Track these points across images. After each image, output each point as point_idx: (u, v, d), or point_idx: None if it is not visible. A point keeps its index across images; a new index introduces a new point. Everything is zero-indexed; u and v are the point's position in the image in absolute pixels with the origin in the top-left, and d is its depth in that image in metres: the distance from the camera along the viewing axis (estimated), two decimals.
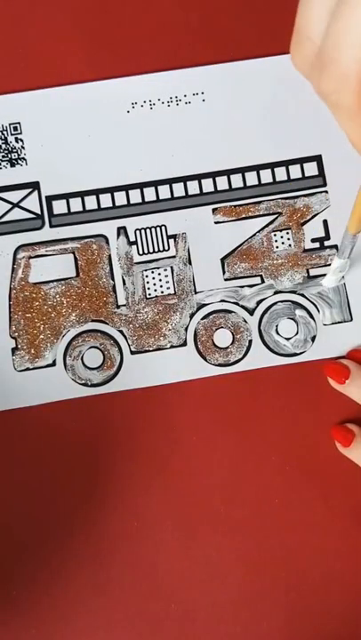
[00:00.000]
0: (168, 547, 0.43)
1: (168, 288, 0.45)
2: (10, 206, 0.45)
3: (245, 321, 0.45)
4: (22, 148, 0.46)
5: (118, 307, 0.45)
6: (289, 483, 0.44)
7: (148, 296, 0.45)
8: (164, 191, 0.46)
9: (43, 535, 0.43)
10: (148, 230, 0.45)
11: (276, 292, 0.45)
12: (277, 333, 0.45)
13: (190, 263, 0.45)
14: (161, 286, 0.45)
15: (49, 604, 0.43)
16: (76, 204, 0.46)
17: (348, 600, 0.43)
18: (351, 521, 0.44)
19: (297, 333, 0.45)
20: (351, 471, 0.44)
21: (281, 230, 0.46)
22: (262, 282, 0.45)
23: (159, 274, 0.45)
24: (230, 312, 0.45)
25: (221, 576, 0.43)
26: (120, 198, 0.46)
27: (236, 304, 0.45)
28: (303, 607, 0.43)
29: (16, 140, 0.46)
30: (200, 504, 0.44)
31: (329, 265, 0.45)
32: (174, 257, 0.45)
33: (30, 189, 0.46)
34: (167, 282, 0.45)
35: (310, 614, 0.43)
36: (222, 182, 0.46)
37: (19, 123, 0.46)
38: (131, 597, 0.43)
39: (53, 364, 0.45)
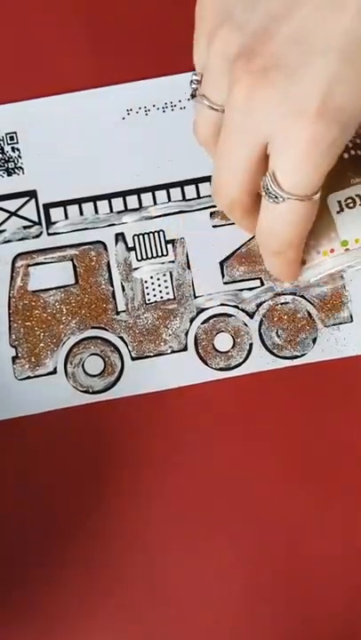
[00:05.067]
0: (169, 549, 0.43)
1: (168, 293, 0.45)
2: (7, 215, 0.45)
3: (246, 324, 0.45)
4: (19, 157, 0.46)
5: (118, 313, 0.45)
6: (290, 484, 0.44)
7: (147, 302, 0.45)
8: (161, 196, 0.46)
9: (44, 539, 0.43)
10: (146, 236, 0.45)
11: (276, 295, 0.45)
12: (278, 336, 0.45)
13: (189, 268, 0.45)
14: (160, 291, 0.45)
15: (49, 605, 0.42)
16: (73, 212, 0.46)
17: (349, 600, 0.43)
18: (351, 522, 0.43)
19: (298, 335, 0.45)
20: (351, 473, 0.44)
21: None
22: (262, 284, 0.45)
23: (158, 279, 0.45)
24: (230, 316, 0.45)
25: (222, 578, 0.43)
26: (117, 204, 0.46)
27: (236, 307, 0.45)
28: (304, 607, 0.43)
29: (12, 149, 0.46)
30: (202, 508, 0.43)
31: None
32: (173, 262, 0.45)
33: (27, 198, 0.46)
34: (166, 287, 0.45)
35: (311, 615, 0.43)
36: None
37: (15, 132, 0.46)
38: (131, 599, 0.43)
39: (54, 371, 0.44)
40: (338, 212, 0.36)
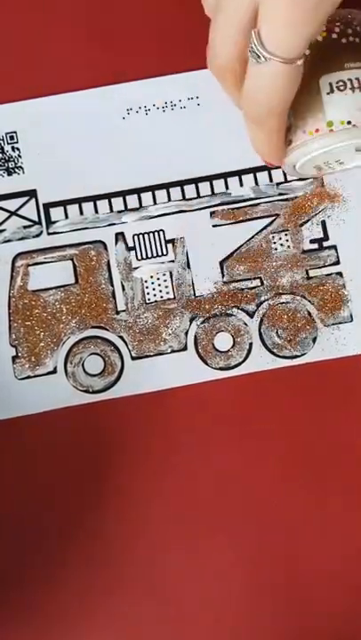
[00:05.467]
0: (169, 548, 0.43)
1: (167, 292, 0.45)
2: (7, 214, 0.45)
3: (246, 324, 0.45)
4: (19, 156, 0.46)
5: (118, 312, 0.45)
6: (290, 484, 0.44)
7: (147, 301, 0.45)
8: (161, 196, 0.46)
9: (43, 539, 0.43)
10: (146, 235, 0.45)
11: (276, 294, 0.45)
12: (278, 335, 0.45)
13: (189, 267, 0.45)
14: (160, 291, 0.45)
15: (48, 605, 0.42)
16: (73, 211, 0.46)
17: (349, 600, 0.43)
18: (351, 521, 0.43)
19: (298, 335, 0.45)
20: (351, 472, 0.44)
21: (279, 232, 0.46)
22: (262, 284, 0.45)
23: (158, 279, 0.45)
24: (230, 315, 0.45)
25: (222, 578, 0.43)
26: (117, 204, 0.46)
27: (236, 307, 0.45)
28: (304, 607, 0.43)
29: (13, 148, 0.46)
30: (201, 508, 0.43)
31: (328, 265, 0.45)
32: (173, 261, 0.45)
33: (27, 197, 0.46)
34: (166, 286, 0.45)
35: (311, 615, 0.43)
36: (219, 185, 0.46)
37: (15, 132, 0.46)
38: (131, 599, 0.43)
39: (54, 371, 0.44)
40: (328, 94, 0.36)
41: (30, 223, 0.45)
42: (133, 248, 0.45)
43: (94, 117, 0.46)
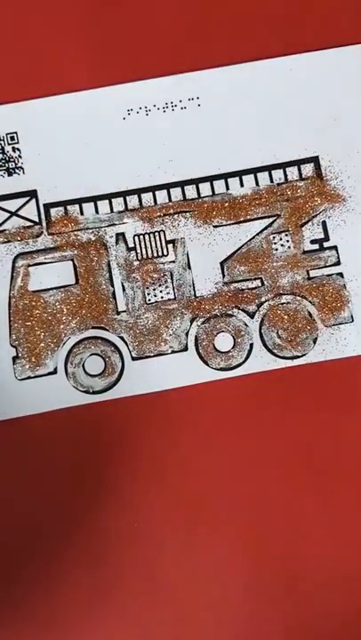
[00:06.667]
0: (168, 548, 0.43)
1: (168, 293, 0.45)
2: (8, 215, 0.45)
3: (246, 324, 0.45)
4: (19, 157, 0.46)
5: (118, 313, 0.45)
6: (289, 484, 0.44)
7: (148, 301, 0.45)
8: (161, 196, 0.46)
9: (44, 539, 0.43)
10: (146, 236, 0.45)
11: (276, 295, 0.45)
12: (278, 336, 0.45)
13: (190, 268, 0.45)
14: (161, 291, 0.45)
15: (48, 605, 0.42)
16: (73, 212, 0.46)
17: (349, 600, 0.43)
18: (352, 522, 0.43)
19: (298, 336, 0.45)
20: (352, 473, 0.44)
21: (280, 232, 0.46)
22: (262, 284, 0.45)
23: (158, 279, 0.45)
24: (231, 316, 0.45)
25: (221, 578, 0.43)
26: (118, 204, 0.46)
27: (237, 307, 0.45)
28: (304, 608, 0.43)
29: (13, 149, 0.46)
30: (201, 508, 0.43)
31: (329, 266, 0.45)
32: (174, 262, 0.45)
33: (28, 198, 0.46)
34: (167, 287, 0.45)
35: (311, 615, 0.43)
36: (220, 186, 0.46)
37: (15, 132, 0.46)
38: (130, 598, 0.43)
39: (55, 371, 0.44)
40: None
41: (31, 223, 0.45)
42: (134, 248, 0.45)
43: (95, 118, 0.46)
